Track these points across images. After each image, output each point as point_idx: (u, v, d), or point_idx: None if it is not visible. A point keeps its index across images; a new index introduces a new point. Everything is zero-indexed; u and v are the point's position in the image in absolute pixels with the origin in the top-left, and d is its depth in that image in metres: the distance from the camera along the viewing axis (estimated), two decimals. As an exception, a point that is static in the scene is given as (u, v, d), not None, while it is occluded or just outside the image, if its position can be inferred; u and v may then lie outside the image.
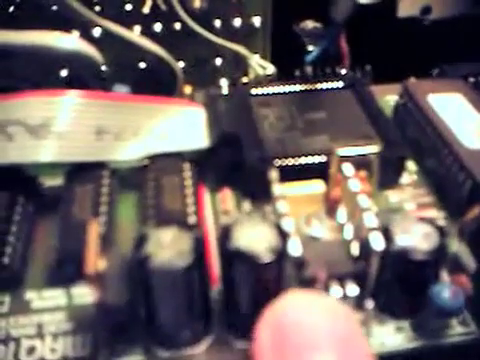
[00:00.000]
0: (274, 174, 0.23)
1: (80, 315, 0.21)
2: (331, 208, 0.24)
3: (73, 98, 0.25)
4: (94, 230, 0.19)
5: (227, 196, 0.26)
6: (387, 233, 0.20)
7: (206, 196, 0.26)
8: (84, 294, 0.22)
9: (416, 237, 0.20)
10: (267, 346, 0.16)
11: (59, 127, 0.24)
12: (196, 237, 0.19)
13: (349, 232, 0.23)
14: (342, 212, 0.24)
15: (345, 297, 0.21)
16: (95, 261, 0.18)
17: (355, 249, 0.22)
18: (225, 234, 0.19)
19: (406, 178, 0.27)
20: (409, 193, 0.26)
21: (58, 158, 0.24)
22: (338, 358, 0.15)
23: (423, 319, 0.20)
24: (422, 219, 0.20)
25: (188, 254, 0.18)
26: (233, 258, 0.19)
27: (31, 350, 0.20)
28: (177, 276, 0.18)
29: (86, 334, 0.21)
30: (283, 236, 0.19)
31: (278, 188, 0.22)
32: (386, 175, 0.26)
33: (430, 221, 0.20)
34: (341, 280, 0.21)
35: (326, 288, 0.21)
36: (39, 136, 0.24)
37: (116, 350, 0.20)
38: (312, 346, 0.16)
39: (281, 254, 0.19)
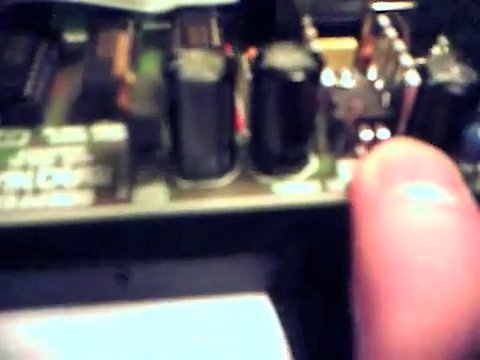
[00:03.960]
0: (307, 20, 0.22)
1: (101, 150, 0.21)
2: (362, 67, 0.23)
3: None
4: (124, 41, 0.18)
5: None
6: (424, 70, 0.19)
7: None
8: (106, 132, 0.21)
9: (454, 74, 0.19)
10: (371, 175, 0.17)
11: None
12: (228, 58, 0.18)
13: (380, 86, 0.22)
14: (373, 71, 0.23)
15: (376, 140, 0.20)
16: (124, 69, 0.17)
17: (386, 98, 0.21)
18: (258, 56, 0.18)
19: (437, 51, 0.26)
20: (441, 62, 0.25)
21: None
22: (441, 186, 0.17)
23: (455, 163, 0.20)
24: (459, 59, 0.20)
25: (220, 70, 0.18)
26: (265, 77, 0.18)
27: (49, 177, 0.20)
28: (208, 90, 0.18)
29: (106, 165, 0.20)
30: (318, 61, 0.18)
31: (311, 31, 0.22)
32: (417, 43, 0.25)
33: (468, 62, 0.20)
34: (372, 123, 0.21)
35: (356, 131, 0.21)
36: None
37: (137, 180, 0.20)
38: (417, 173, 0.17)
39: (315, 76, 0.18)
